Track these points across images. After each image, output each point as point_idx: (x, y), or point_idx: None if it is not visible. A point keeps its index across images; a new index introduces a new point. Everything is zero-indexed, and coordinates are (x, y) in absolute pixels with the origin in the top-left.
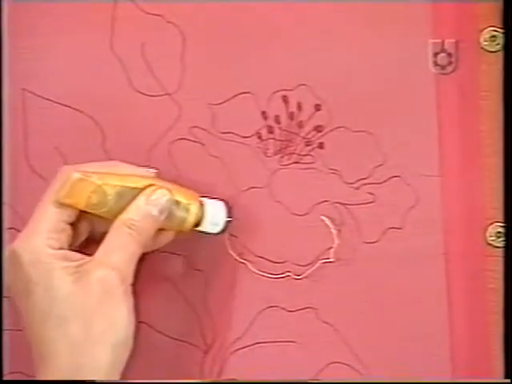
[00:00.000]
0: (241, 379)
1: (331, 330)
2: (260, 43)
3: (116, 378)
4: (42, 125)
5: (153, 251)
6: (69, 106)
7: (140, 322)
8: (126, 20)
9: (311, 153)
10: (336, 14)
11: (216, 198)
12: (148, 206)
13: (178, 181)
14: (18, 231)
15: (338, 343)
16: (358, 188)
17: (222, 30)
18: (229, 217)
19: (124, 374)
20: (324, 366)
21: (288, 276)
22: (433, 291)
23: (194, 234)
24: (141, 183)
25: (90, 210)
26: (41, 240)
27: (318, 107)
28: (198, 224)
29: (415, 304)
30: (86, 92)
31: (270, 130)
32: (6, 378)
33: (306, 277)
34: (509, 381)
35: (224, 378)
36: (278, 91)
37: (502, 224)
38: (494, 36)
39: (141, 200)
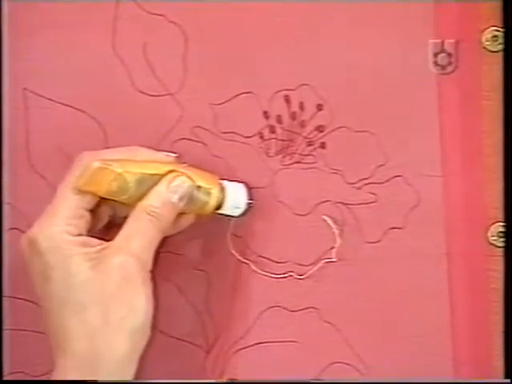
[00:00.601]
0: (243, 379)
1: (333, 330)
2: (262, 43)
3: (133, 365)
4: (44, 125)
5: (172, 235)
6: (71, 106)
7: None
8: (128, 20)
9: (313, 153)
10: (338, 14)
11: (237, 181)
12: (168, 192)
13: None
14: (21, 231)
15: (340, 343)
16: (359, 188)
17: (223, 30)
18: (250, 199)
19: None
20: (326, 366)
21: (290, 276)
22: (435, 291)
23: (196, 234)
24: (161, 169)
25: (110, 197)
26: (59, 227)
27: (319, 107)
28: (219, 207)
29: (417, 304)
30: (88, 92)
31: (272, 130)
32: (7, 377)
33: (308, 277)
34: (509, 381)
35: (226, 377)
36: (279, 91)
37: (503, 224)
38: (495, 36)
39: (161, 186)
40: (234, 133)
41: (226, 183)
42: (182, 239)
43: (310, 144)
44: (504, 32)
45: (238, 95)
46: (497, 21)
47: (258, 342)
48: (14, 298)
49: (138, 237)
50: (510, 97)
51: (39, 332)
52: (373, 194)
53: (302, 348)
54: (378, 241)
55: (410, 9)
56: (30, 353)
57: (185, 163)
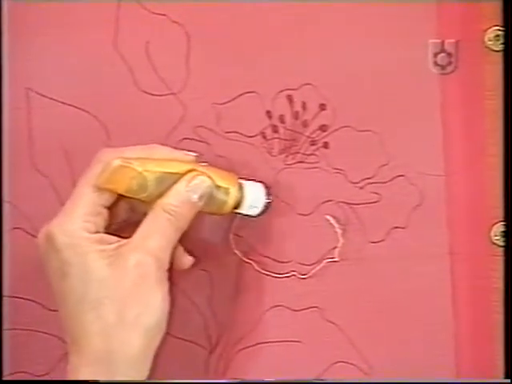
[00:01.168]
0: (246, 379)
1: (336, 330)
2: (265, 43)
3: (147, 363)
4: (47, 124)
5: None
6: (73, 106)
7: None
8: (131, 19)
9: (316, 152)
10: (341, 15)
11: (255, 180)
12: (188, 191)
13: None
14: (24, 231)
15: (342, 342)
16: (362, 187)
17: (226, 30)
18: (268, 199)
19: None
20: (329, 366)
21: (293, 275)
22: (437, 290)
23: (199, 234)
24: (181, 168)
25: (129, 195)
26: (77, 223)
27: (322, 107)
28: (237, 206)
29: (420, 303)
30: (91, 91)
31: (275, 130)
32: (9, 377)
33: (311, 276)
34: (509, 381)
35: (229, 377)
36: (282, 91)
37: (503, 223)
38: (498, 35)
39: (181, 185)
40: (237, 132)
41: (244, 182)
42: (184, 239)
43: (312, 143)
44: (504, 32)
45: (240, 95)
46: (499, 20)
47: (260, 341)
48: (16, 297)
49: (156, 235)
50: (509, 96)
51: (41, 331)
52: (376, 193)
53: (305, 347)
54: (381, 240)
55: (412, 9)
56: (32, 352)
57: (204, 162)
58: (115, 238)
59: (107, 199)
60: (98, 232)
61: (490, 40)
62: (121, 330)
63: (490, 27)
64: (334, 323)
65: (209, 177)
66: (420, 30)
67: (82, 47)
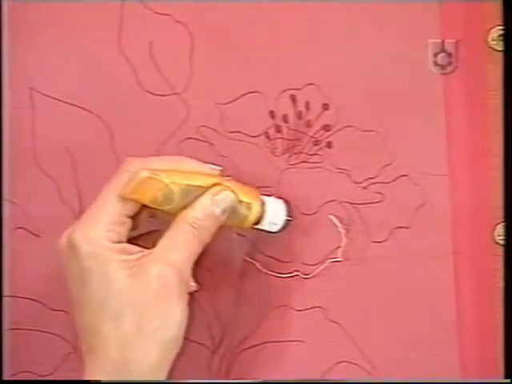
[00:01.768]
0: (249, 378)
1: (339, 330)
2: (268, 42)
3: (163, 375)
4: (50, 124)
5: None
6: (76, 106)
7: None
8: (134, 19)
9: (319, 152)
10: (344, 14)
11: (277, 197)
12: (212, 205)
13: None
14: (27, 231)
15: (346, 342)
16: (366, 187)
17: (230, 30)
18: (288, 216)
19: None
20: (332, 366)
21: (296, 275)
22: (441, 290)
23: None
24: (206, 182)
25: (153, 206)
26: (100, 232)
27: (326, 106)
28: (257, 222)
29: (423, 303)
30: (94, 91)
31: (278, 130)
32: (13, 377)
33: (314, 276)
34: (509, 381)
35: (232, 377)
36: (286, 90)
37: (504, 223)
38: (501, 35)
39: (206, 199)
40: (240, 132)
41: (266, 199)
42: None
43: (316, 143)
44: (504, 31)
45: (244, 95)
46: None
47: (264, 341)
48: (19, 297)
49: (178, 247)
50: (509, 96)
51: (45, 331)
52: (379, 193)
53: (308, 347)
54: (385, 240)
55: (415, 9)
56: (36, 352)
57: (229, 176)
58: (137, 249)
59: (131, 209)
60: (120, 242)
61: (493, 40)
62: (139, 341)
63: (494, 27)
64: (337, 323)
65: (232, 191)
66: (423, 30)
67: (86, 47)
